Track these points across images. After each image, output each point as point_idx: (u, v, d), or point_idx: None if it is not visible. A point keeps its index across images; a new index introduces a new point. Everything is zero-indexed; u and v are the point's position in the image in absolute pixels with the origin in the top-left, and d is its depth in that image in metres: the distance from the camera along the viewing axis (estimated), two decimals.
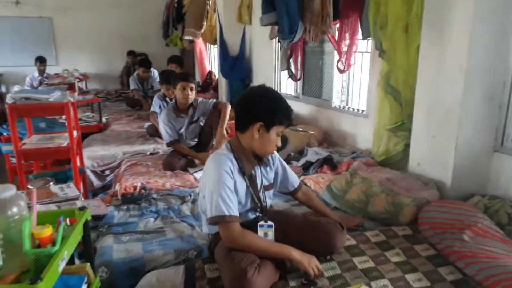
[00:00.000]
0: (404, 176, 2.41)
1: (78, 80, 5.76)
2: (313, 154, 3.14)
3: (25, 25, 7.12)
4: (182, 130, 3.29)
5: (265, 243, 1.59)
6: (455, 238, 1.72)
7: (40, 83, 6.06)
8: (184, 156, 3.25)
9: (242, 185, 1.69)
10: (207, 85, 6.41)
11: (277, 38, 3.80)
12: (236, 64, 5.25)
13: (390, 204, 2.11)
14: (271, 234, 1.70)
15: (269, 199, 1.84)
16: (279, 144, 1.72)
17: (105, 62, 7.86)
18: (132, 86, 5.59)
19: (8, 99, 2.51)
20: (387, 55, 2.63)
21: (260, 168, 1.78)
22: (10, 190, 1.32)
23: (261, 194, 1.76)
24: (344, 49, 3.31)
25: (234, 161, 1.68)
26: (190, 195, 2.51)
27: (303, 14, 3.17)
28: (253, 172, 1.74)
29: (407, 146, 2.59)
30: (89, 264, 1.51)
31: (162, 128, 3.25)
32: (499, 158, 2.18)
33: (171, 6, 7.48)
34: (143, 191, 2.50)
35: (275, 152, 1.85)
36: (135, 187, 2.52)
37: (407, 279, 1.56)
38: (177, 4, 7.12)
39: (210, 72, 6.64)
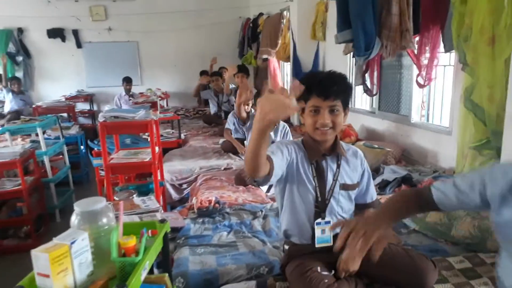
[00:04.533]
0: None
1: (160, 98, 6.16)
2: (390, 172, 3.01)
3: (115, 49, 7.81)
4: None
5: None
6: None
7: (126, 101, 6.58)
8: None
9: (307, 174, 1.63)
10: None
11: (352, 53, 3.75)
12: None
13: (476, 228, 1.95)
14: (328, 231, 1.63)
15: (344, 199, 1.68)
16: (323, 120, 1.55)
17: (184, 81, 8.29)
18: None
19: (100, 118, 2.76)
20: (470, 68, 2.46)
21: (331, 160, 1.66)
22: (101, 202, 1.44)
23: (328, 190, 1.65)
24: (425, 62, 3.16)
25: (301, 146, 1.66)
26: (262, 211, 2.54)
27: (380, 30, 3.10)
28: (323, 163, 1.65)
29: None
30: (167, 274, 1.58)
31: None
32: None
33: (246, 26, 7.74)
34: (217, 205, 2.57)
35: (360, 152, 1.75)
36: (210, 201, 2.61)
37: None
38: (252, 24, 7.36)
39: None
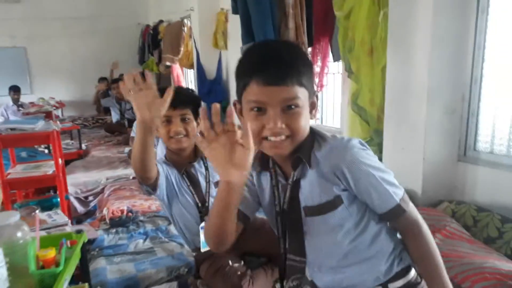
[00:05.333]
0: None
1: (54, 108, 5.76)
2: None
3: None
4: None
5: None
6: None
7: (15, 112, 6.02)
8: None
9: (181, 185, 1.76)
10: None
11: None
12: (213, 87, 5.41)
13: None
14: None
15: None
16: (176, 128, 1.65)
17: (80, 89, 7.88)
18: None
19: None
20: (355, 76, 2.83)
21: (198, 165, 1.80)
22: (14, 216, 1.39)
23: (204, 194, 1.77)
24: (317, 70, 3.52)
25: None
26: None
27: None
28: (192, 170, 1.78)
29: (379, 159, 2.76)
30: (87, 284, 1.58)
31: None
32: (463, 167, 2.38)
33: (146, 33, 7.62)
34: (130, 214, 2.57)
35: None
36: (122, 211, 2.60)
37: None
38: (153, 31, 7.28)
39: None
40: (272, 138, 0.94)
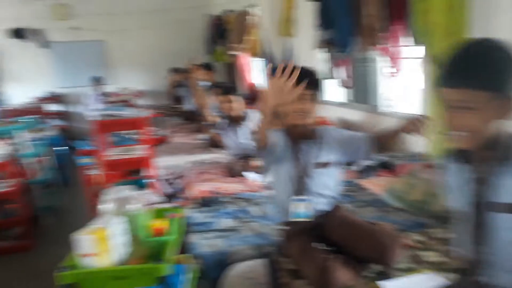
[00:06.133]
0: None
1: (134, 97, 6.18)
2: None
3: (82, 48, 7.70)
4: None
5: None
6: None
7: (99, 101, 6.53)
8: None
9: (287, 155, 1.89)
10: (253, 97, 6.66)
11: (327, 49, 4.00)
12: None
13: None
14: (303, 207, 1.82)
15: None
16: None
17: (152, 79, 8.32)
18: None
19: (93, 117, 2.83)
20: (436, 60, 2.74)
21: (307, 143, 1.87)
22: (130, 190, 1.58)
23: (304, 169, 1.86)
24: (393, 55, 3.45)
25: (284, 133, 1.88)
26: (256, 199, 2.72)
27: (356, 29, 3.41)
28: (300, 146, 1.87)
29: None
30: (191, 255, 1.74)
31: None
32: None
33: (213, 23, 7.84)
34: (215, 195, 2.74)
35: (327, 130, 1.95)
36: (207, 192, 2.78)
37: None
38: (219, 21, 7.47)
39: (252, 85, 6.90)
40: None
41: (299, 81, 1.58)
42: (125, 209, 1.50)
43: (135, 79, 8.14)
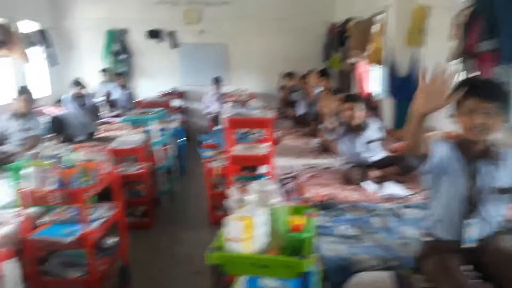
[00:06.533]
0: None
1: (249, 98, 6.45)
2: None
3: (206, 50, 8.30)
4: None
5: None
6: None
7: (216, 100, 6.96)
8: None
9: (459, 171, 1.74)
10: (370, 106, 6.48)
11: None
12: (404, 84, 5.25)
13: None
14: (474, 231, 1.68)
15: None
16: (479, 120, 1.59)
17: (266, 82, 8.60)
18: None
19: (225, 114, 3.04)
20: None
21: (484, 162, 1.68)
22: (272, 185, 1.65)
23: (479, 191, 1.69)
24: None
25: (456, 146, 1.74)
26: (377, 210, 2.63)
27: None
28: (477, 163, 1.69)
29: None
30: (319, 254, 1.76)
31: None
32: None
33: (333, 30, 7.82)
34: (332, 199, 2.73)
35: None
36: (324, 195, 2.78)
37: None
38: (340, 29, 7.42)
39: (369, 94, 6.72)
40: None
41: (471, 93, 1.57)
42: (267, 201, 1.57)
43: (251, 81, 8.51)
